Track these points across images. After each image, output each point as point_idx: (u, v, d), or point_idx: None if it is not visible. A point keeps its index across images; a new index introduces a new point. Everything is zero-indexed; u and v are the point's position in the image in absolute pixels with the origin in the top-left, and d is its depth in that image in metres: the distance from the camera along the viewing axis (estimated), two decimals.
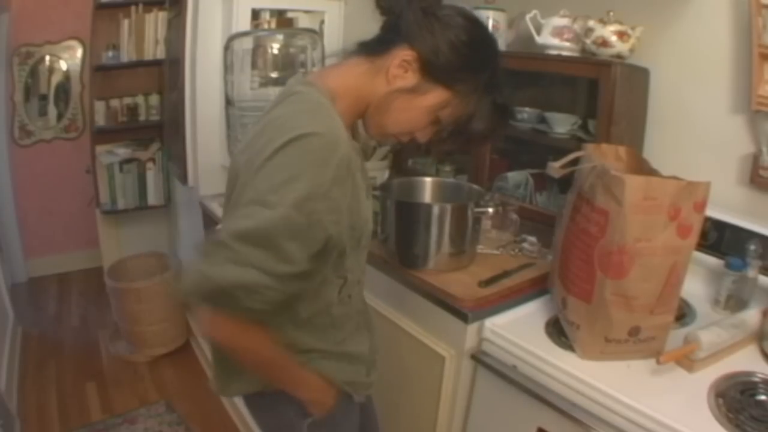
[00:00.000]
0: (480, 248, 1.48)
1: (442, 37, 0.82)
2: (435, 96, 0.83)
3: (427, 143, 0.92)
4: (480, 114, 0.86)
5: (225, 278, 0.72)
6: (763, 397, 1.00)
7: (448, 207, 1.36)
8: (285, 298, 0.78)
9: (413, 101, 0.84)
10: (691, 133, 1.47)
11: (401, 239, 1.39)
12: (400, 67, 0.83)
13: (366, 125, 0.91)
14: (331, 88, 0.85)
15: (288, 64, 1.93)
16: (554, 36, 1.57)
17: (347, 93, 0.86)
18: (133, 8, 2.78)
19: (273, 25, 2.07)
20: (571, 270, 1.15)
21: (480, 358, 1.25)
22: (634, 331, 1.07)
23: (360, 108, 0.88)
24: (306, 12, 2.09)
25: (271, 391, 0.96)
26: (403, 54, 0.82)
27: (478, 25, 0.88)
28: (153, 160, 2.96)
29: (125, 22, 2.80)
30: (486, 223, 1.57)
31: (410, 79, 0.83)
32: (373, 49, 0.88)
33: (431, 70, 0.82)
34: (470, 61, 0.84)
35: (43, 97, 3.28)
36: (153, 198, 3.00)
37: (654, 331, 1.08)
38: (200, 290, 0.75)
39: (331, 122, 0.79)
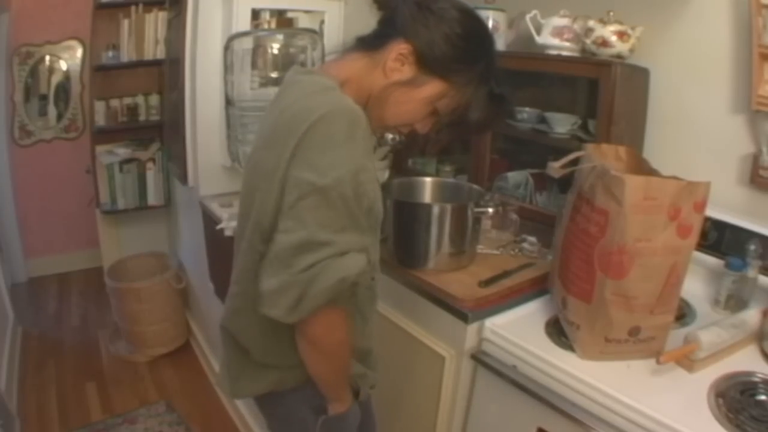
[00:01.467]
0: (480, 248, 1.48)
1: (437, 30, 0.83)
2: (432, 88, 0.84)
3: (426, 135, 0.92)
4: (477, 104, 0.86)
5: (352, 269, 0.75)
6: (763, 397, 1.00)
7: (448, 207, 1.36)
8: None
9: (410, 93, 0.85)
10: (691, 133, 1.47)
11: (401, 239, 1.39)
12: (397, 60, 0.84)
13: (367, 118, 0.92)
14: (334, 77, 0.87)
15: (288, 64, 1.93)
16: (554, 36, 1.57)
17: (348, 85, 0.88)
18: (133, 8, 2.77)
19: (273, 25, 2.06)
20: (571, 270, 1.15)
21: (480, 358, 1.24)
22: (634, 331, 1.07)
23: (360, 100, 0.89)
24: (306, 12, 2.09)
25: (282, 390, 0.96)
26: (400, 48, 0.83)
27: (473, 17, 0.89)
28: (153, 160, 2.95)
29: (125, 22, 2.79)
30: (486, 223, 1.57)
31: (407, 72, 0.84)
32: (370, 43, 0.89)
33: (427, 63, 0.83)
34: (466, 52, 0.85)
35: (43, 97, 3.29)
36: (153, 198, 3.00)
37: (654, 331, 1.08)
38: (328, 292, 0.76)
39: (344, 98, 0.81)
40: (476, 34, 0.88)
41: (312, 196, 0.75)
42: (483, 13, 1.75)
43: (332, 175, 0.74)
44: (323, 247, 0.74)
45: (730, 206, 1.34)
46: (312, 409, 0.97)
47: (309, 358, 0.88)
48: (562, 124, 1.62)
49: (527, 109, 1.71)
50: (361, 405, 1.09)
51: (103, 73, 2.88)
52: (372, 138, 0.87)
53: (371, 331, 1.05)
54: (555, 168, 1.19)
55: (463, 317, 1.26)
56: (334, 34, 2.06)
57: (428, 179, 1.60)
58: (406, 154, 2.10)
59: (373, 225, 0.89)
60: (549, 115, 1.64)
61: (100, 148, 2.91)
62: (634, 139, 1.51)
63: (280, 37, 1.95)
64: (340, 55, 0.93)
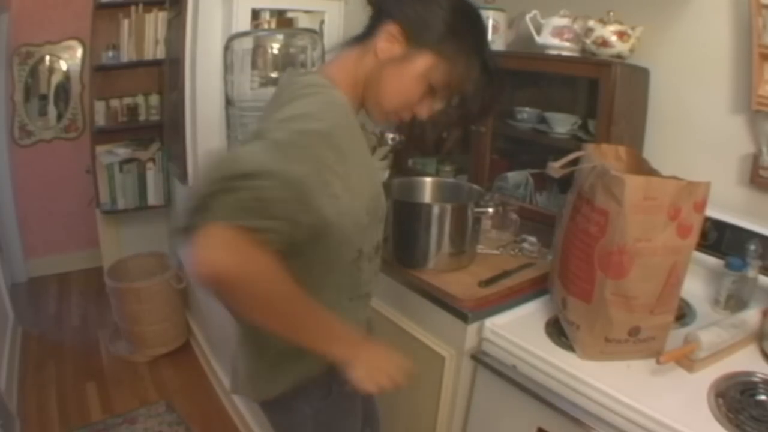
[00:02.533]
0: (480, 248, 1.48)
1: (423, 6, 0.85)
2: (423, 62, 0.85)
3: (435, 132, 0.93)
4: (471, 79, 0.86)
5: (237, 164, 0.68)
6: (763, 397, 1.00)
7: (448, 207, 1.36)
8: (289, 214, 0.71)
9: (402, 69, 0.85)
10: (691, 133, 1.46)
11: (401, 239, 1.39)
12: (387, 40, 0.85)
13: (367, 110, 0.93)
14: (328, 76, 0.89)
15: (288, 64, 1.93)
16: (554, 36, 1.57)
17: (344, 80, 0.89)
18: (133, 8, 2.78)
19: (273, 25, 2.06)
20: (571, 270, 1.15)
21: (480, 358, 1.24)
22: (634, 331, 1.07)
23: (358, 92, 0.90)
24: (306, 12, 2.09)
25: (287, 394, 0.97)
26: (388, 28, 0.85)
27: None
28: (153, 160, 2.95)
29: (125, 22, 2.79)
30: (486, 223, 1.57)
31: (397, 49, 0.85)
32: (362, 35, 0.91)
33: (415, 37, 0.84)
34: (452, 24, 0.86)
35: (43, 97, 3.28)
36: (153, 198, 3.00)
37: (654, 331, 1.08)
38: (209, 187, 0.67)
39: (332, 93, 0.83)
40: (461, 7, 0.89)
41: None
42: (483, 13, 1.75)
43: (277, 116, 0.76)
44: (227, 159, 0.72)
45: (730, 206, 1.34)
46: (311, 410, 0.97)
47: (237, 309, 0.77)
48: (562, 124, 1.62)
49: (527, 109, 1.71)
50: (362, 397, 1.08)
51: (103, 73, 2.88)
52: (365, 139, 0.89)
53: (361, 317, 1.03)
54: (555, 168, 1.19)
55: (463, 317, 1.26)
56: (334, 34, 2.06)
57: (428, 179, 1.60)
58: (406, 154, 2.10)
59: (373, 216, 0.89)
60: (549, 115, 1.64)
61: (100, 148, 2.91)
62: (634, 139, 1.51)
63: (280, 37, 1.95)
64: (336, 54, 0.94)
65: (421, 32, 0.84)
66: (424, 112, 0.90)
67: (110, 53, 2.83)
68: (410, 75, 0.85)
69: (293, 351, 0.84)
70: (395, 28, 0.84)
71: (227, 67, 1.88)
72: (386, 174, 1.93)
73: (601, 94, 1.43)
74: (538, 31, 1.60)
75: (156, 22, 2.79)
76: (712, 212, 1.24)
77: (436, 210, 1.36)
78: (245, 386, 1.04)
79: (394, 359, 0.89)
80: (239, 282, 0.68)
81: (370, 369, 0.86)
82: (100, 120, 2.91)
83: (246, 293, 0.71)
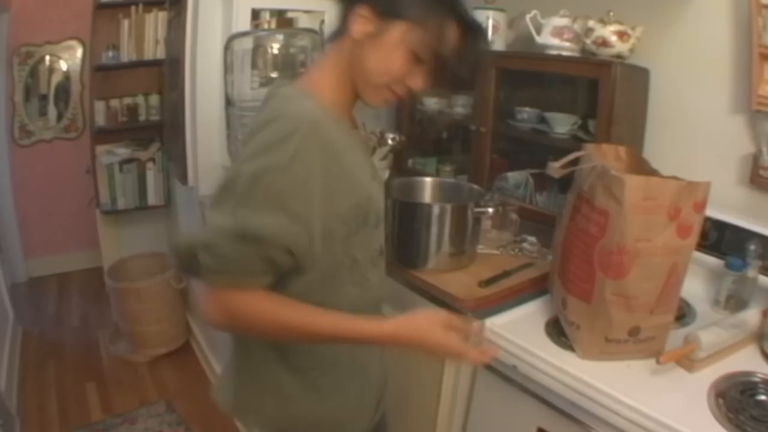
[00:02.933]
0: (480, 248, 1.48)
1: None
2: (398, 30, 0.85)
3: (422, 89, 0.92)
4: (451, 38, 0.86)
5: (183, 239, 0.83)
6: (763, 397, 1.00)
7: (448, 207, 1.36)
8: (261, 265, 0.79)
9: (380, 43, 0.86)
10: (691, 133, 1.46)
11: (401, 239, 1.39)
12: (359, 23, 0.86)
13: (361, 95, 0.92)
14: (312, 83, 0.90)
15: (288, 64, 1.93)
16: (554, 36, 1.57)
17: (328, 81, 0.90)
18: (133, 8, 2.78)
19: (273, 25, 2.06)
20: (571, 270, 1.14)
21: None
22: (634, 331, 1.07)
23: (347, 85, 0.90)
24: (306, 12, 2.09)
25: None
26: (359, 12, 0.86)
27: None
28: (153, 160, 2.96)
29: (125, 22, 2.80)
30: (486, 223, 1.57)
31: (370, 26, 0.85)
32: (338, 30, 0.91)
33: (385, 11, 0.85)
34: None
35: (43, 97, 3.28)
36: (153, 198, 3.00)
37: (654, 331, 1.08)
38: (176, 257, 0.83)
39: (299, 106, 0.84)
40: None
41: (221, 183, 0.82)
42: (483, 13, 1.75)
43: (244, 166, 0.79)
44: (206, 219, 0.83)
45: (730, 206, 1.34)
46: None
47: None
48: (562, 124, 1.62)
49: (527, 109, 1.71)
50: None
51: (103, 73, 2.88)
52: (348, 141, 0.88)
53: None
54: (555, 168, 1.19)
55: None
56: None
57: (428, 179, 1.60)
58: (406, 154, 2.10)
59: (362, 223, 0.89)
60: (549, 115, 1.64)
61: (100, 148, 2.91)
62: (634, 139, 1.51)
63: (280, 37, 1.95)
64: (320, 56, 0.96)
65: (389, 4, 0.85)
66: (416, 83, 0.89)
67: (110, 53, 2.83)
68: (389, 46, 0.85)
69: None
70: (364, 9, 0.85)
71: (227, 67, 1.88)
72: (386, 174, 1.93)
73: (601, 94, 1.43)
74: (538, 31, 1.60)
75: (156, 22, 2.79)
76: (712, 212, 1.24)
77: (436, 210, 1.36)
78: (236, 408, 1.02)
79: (439, 336, 0.85)
80: (240, 330, 0.89)
81: (424, 350, 0.86)
82: (100, 120, 2.91)
83: (252, 332, 0.87)
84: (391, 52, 0.85)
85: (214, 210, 0.80)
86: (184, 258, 0.81)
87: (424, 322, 0.85)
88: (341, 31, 0.90)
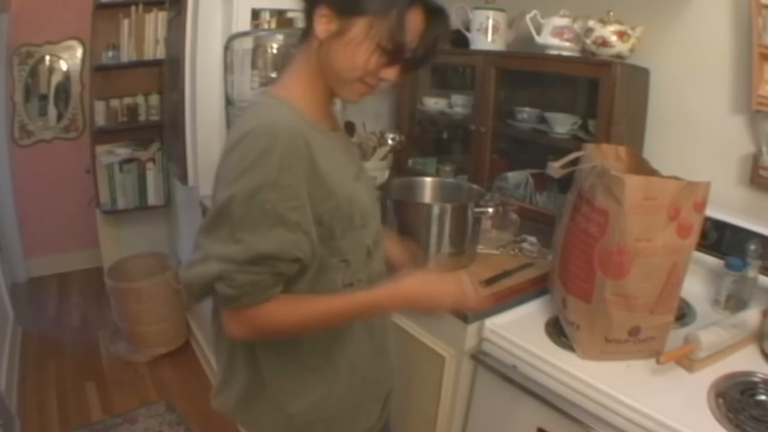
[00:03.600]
0: (480, 248, 1.48)
1: None
2: (360, 25, 0.85)
3: (398, 76, 0.92)
4: (413, 24, 0.86)
5: (196, 278, 0.80)
6: (763, 397, 1.00)
7: (448, 207, 1.36)
8: (273, 279, 0.82)
9: (345, 40, 0.86)
10: (691, 133, 1.47)
11: (401, 239, 1.39)
12: (322, 23, 0.86)
13: (336, 92, 0.93)
14: (284, 88, 0.91)
15: (288, 64, 1.93)
16: (554, 36, 1.57)
17: (299, 86, 0.91)
18: (133, 8, 2.78)
19: (273, 25, 2.06)
20: (571, 270, 1.15)
21: (480, 358, 1.25)
22: (634, 331, 1.07)
23: (318, 82, 0.91)
24: None
25: None
26: (320, 13, 0.86)
27: None
28: (153, 160, 2.96)
29: (125, 22, 2.80)
30: (486, 223, 1.57)
31: (333, 25, 0.86)
32: (304, 33, 0.92)
33: (345, 9, 0.85)
34: None
35: (43, 97, 3.28)
36: (153, 198, 3.01)
37: (654, 331, 1.08)
38: (191, 294, 0.82)
39: (272, 115, 0.85)
40: None
41: (212, 208, 0.83)
42: (483, 13, 1.76)
43: (230, 190, 0.79)
44: (198, 249, 0.82)
45: (730, 206, 1.34)
46: None
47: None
48: (562, 124, 1.62)
49: (527, 109, 1.71)
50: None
51: (103, 73, 2.88)
52: (323, 142, 0.88)
53: (376, 354, 1.02)
54: (555, 168, 1.19)
55: (463, 317, 1.26)
56: None
57: (428, 179, 1.60)
58: (406, 153, 2.10)
59: (348, 225, 0.89)
60: (549, 115, 1.64)
61: (100, 148, 2.91)
62: (634, 139, 1.51)
63: (280, 37, 1.95)
64: (292, 60, 0.96)
65: (348, 2, 0.85)
66: (387, 73, 0.90)
67: (110, 53, 2.84)
68: (355, 43, 0.86)
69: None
70: (325, 9, 0.86)
71: (227, 67, 1.88)
72: (386, 174, 1.93)
73: (601, 94, 1.43)
74: (538, 31, 1.60)
75: (156, 22, 2.79)
76: (712, 212, 1.24)
77: (436, 210, 1.36)
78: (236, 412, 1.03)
79: (439, 283, 0.96)
80: (267, 337, 0.91)
81: (430, 302, 0.95)
82: (100, 120, 2.91)
83: (278, 336, 0.91)
84: (358, 48, 0.86)
85: (210, 239, 0.80)
86: (199, 295, 0.82)
87: (425, 276, 0.95)
88: (307, 32, 0.91)
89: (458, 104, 1.96)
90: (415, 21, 0.86)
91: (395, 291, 0.92)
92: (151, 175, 2.97)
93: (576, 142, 1.53)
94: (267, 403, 0.95)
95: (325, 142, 0.89)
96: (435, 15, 0.89)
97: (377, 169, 1.90)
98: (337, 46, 0.86)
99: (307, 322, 0.88)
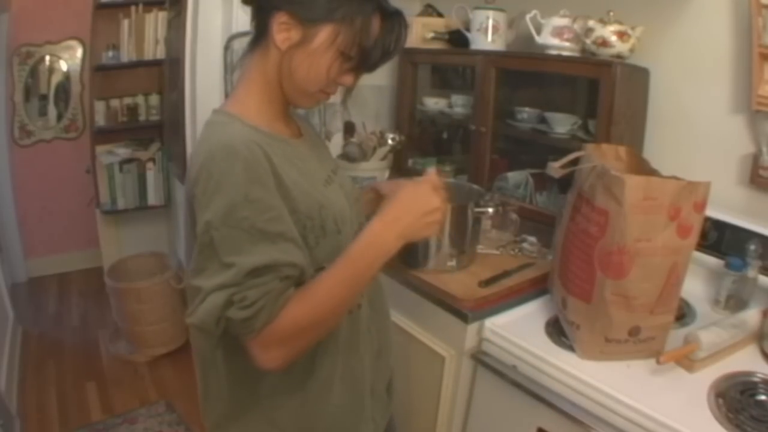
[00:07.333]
0: (480, 248, 1.48)
1: None
2: (324, 34, 0.84)
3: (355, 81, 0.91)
4: (374, 29, 0.85)
5: (206, 315, 0.74)
6: (763, 397, 1.00)
7: (448, 207, 1.36)
8: (282, 284, 0.77)
9: (308, 50, 0.84)
10: (691, 133, 1.47)
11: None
12: (282, 31, 0.84)
13: (292, 101, 0.91)
14: (238, 102, 0.88)
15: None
16: (554, 36, 1.57)
17: (256, 93, 0.88)
18: (133, 8, 2.78)
19: None
20: (571, 270, 1.15)
21: (480, 358, 1.25)
22: (634, 331, 1.07)
23: (275, 92, 0.88)
24: None
25: None
26: (279, 19, 0.84)
27: None
28: (153, 160, 2.96)
29: (125, 22, 2.80)
30: (486, 223, 1.57)
31: (294, 34, 0.84)
32: (256, 39, 0.90)
33: (307, 16, 0.83)
34: None
35: (43, 97, 3.28)
36: (153, 198, 3.01)
37: (654, 331, 1.08)
38: (208, 333, 0.77)
39: (225, 134, 0.81)
40: None
41: (196, 245, 0.78)
42: (483, 13, 1.76)
43: (204, 218, 0.76)
44: (196, 294, 0.77)
45: (730, 206, 1.34)
46: None
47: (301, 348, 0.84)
48: (562, 124, 1.62)
49: (527, 109, 1.71)
50: None
51: (103, 73, 2.88)
52: (285, 150, 0.85)
53: (363, 365, 0.98)
54: (555, 168, 1.19)
55: (463, 317, 1.26)
56: None
57: None
58: (406, 154, 2.10)
59: (320, 233, 0.86)
60: (549, 115, 1.64)
61: (100, 148, 2.91)
62: (634, 139, 1.51)
63: None
64: (240, 69, 0.93)
65: (310, 9, 0.83)
66: (347, 80, 0.88)
67: (110, 53, 2.84)
68: (319, 52, 0.84)
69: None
70: (284, 16, 0.83)
71: (227, 67, 1.88)
72: (386, 174, 1.93)
73: (601, 94, 1.43)
74: (538, 31, 1.60)
75: (156, 22, 2.80)
76: (712, 212, 1.24)
77: None
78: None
79: (418, 204, 0.89)
80: (298, 343, 0.80)
81: (414, 228, 0.88)
82: (100, 120, 2.91)
83: (307, 338, 0.81)
84: (322, 58, 0.84)
85: (203, 278, 0.76)
86: (216, 330, 0.76)
87: (400, 196, 0.88)
88: (259, 37, 0.88)
89: (458, 104, 1.96)
90: (376, 25, 0.85)
91: (380, 223, 0.85)
92: (151, 175, 2.97)
93: (576, 142, 1.53)
94: (258, 420, 0.93)
95: (288, 150, 0.87)
96: (392, 17, 0.87)
97: (377, 169, 1.90)
98: (300, 56, 0.84)
99: (323, 309, 0.80)
